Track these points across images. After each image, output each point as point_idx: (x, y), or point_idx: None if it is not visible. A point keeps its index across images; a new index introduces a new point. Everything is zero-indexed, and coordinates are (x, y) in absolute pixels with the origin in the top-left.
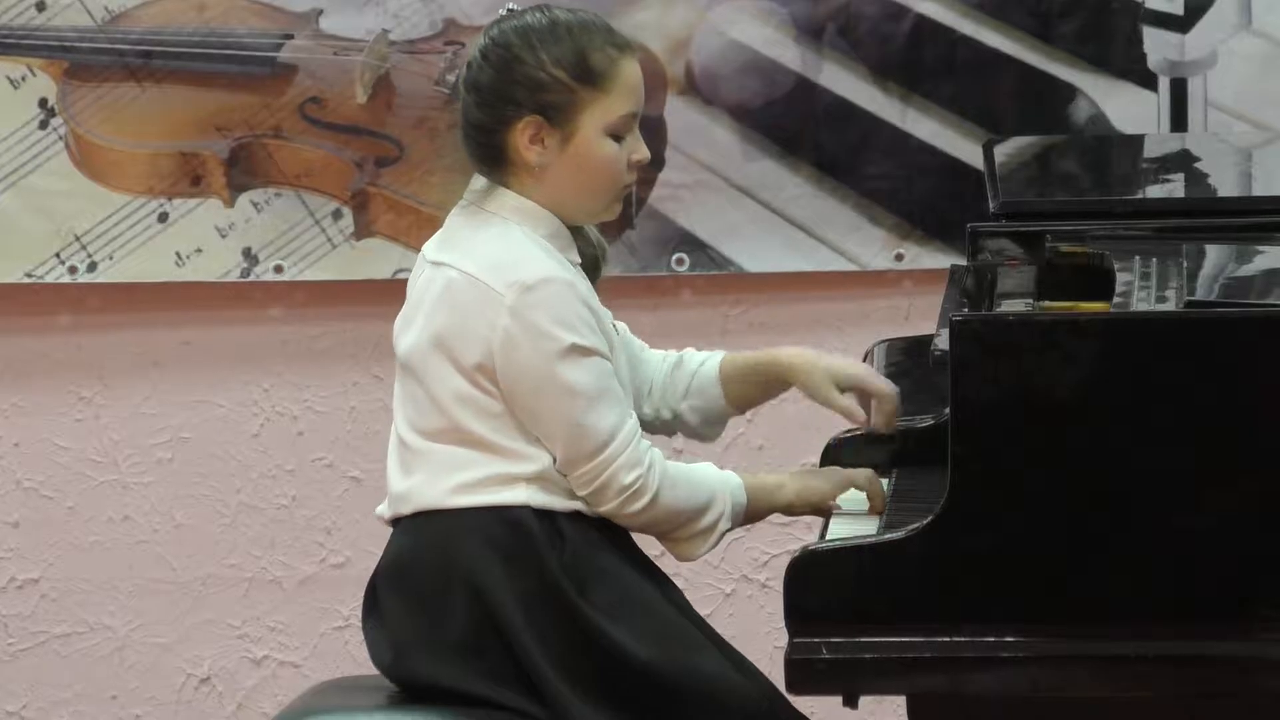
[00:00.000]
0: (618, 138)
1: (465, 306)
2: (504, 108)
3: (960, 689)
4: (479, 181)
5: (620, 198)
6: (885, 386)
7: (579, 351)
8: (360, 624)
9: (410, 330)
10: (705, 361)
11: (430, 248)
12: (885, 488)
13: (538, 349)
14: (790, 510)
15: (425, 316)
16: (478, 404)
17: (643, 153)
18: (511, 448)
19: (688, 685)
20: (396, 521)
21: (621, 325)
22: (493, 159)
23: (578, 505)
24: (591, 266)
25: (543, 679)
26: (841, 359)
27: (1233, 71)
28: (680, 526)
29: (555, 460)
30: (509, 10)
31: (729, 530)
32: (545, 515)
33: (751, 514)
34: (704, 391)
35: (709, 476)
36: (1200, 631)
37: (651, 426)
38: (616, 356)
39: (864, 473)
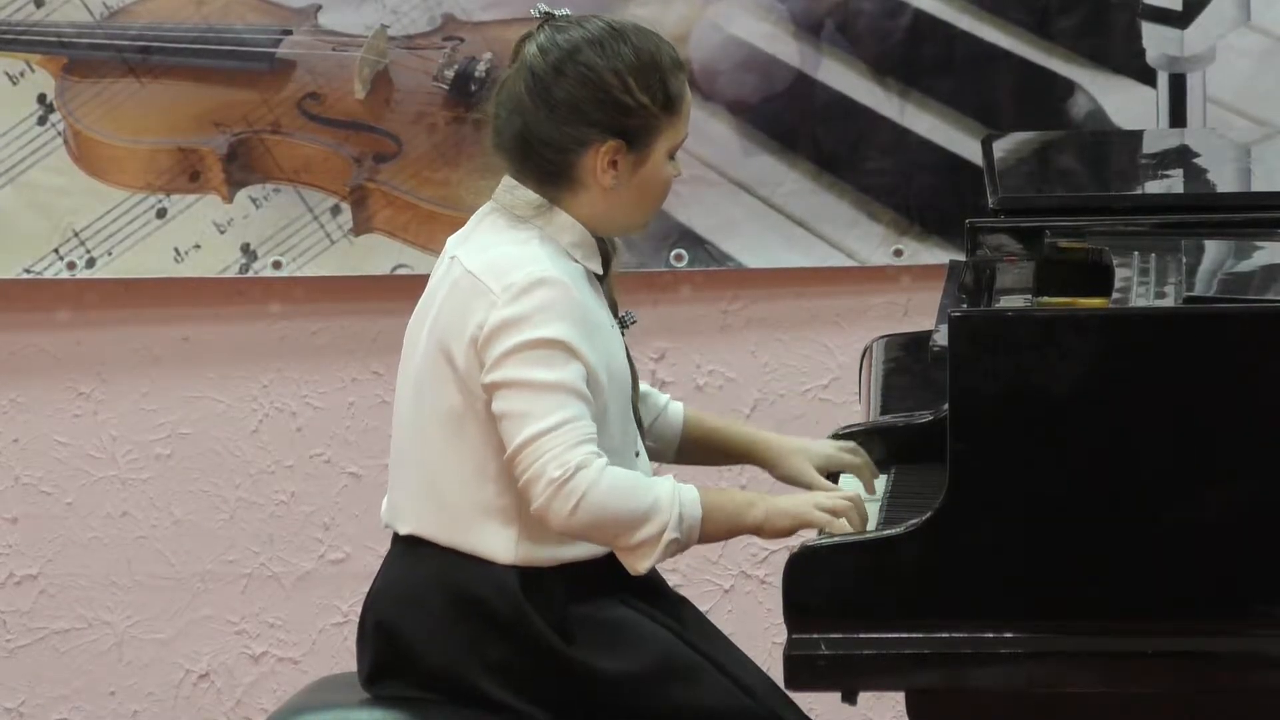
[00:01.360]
0: (671, 158)
1: (460, 303)
2: (585, 129)
3: (959, 685)
4: (521, 190)
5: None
6: (856, 460)
7: (547, 345)
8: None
9: (423, 328)
10: (666, 407)
11: (453, 240)
12: (885, 484)
13: (509, 339)
14: (760, 533)
15: (433, 316)
16: (473, 416)
17: (679, 170)
18: (503, 476)
19: (687, 716)
20: (394, 531)
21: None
22: (554, 175)
23: (566, 557)
24: (604, 263)
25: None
26: (812, 442)
27: (1231, 67)
28: (617, 536)
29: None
30: (544, 11)
31: (678, 542)
32: (532, 575)
33: (713, 531)
34: (661, 438)
35: (656, 489)
36: (1199, 628)
37: None
38: (616, 364)
39: (848, 498)
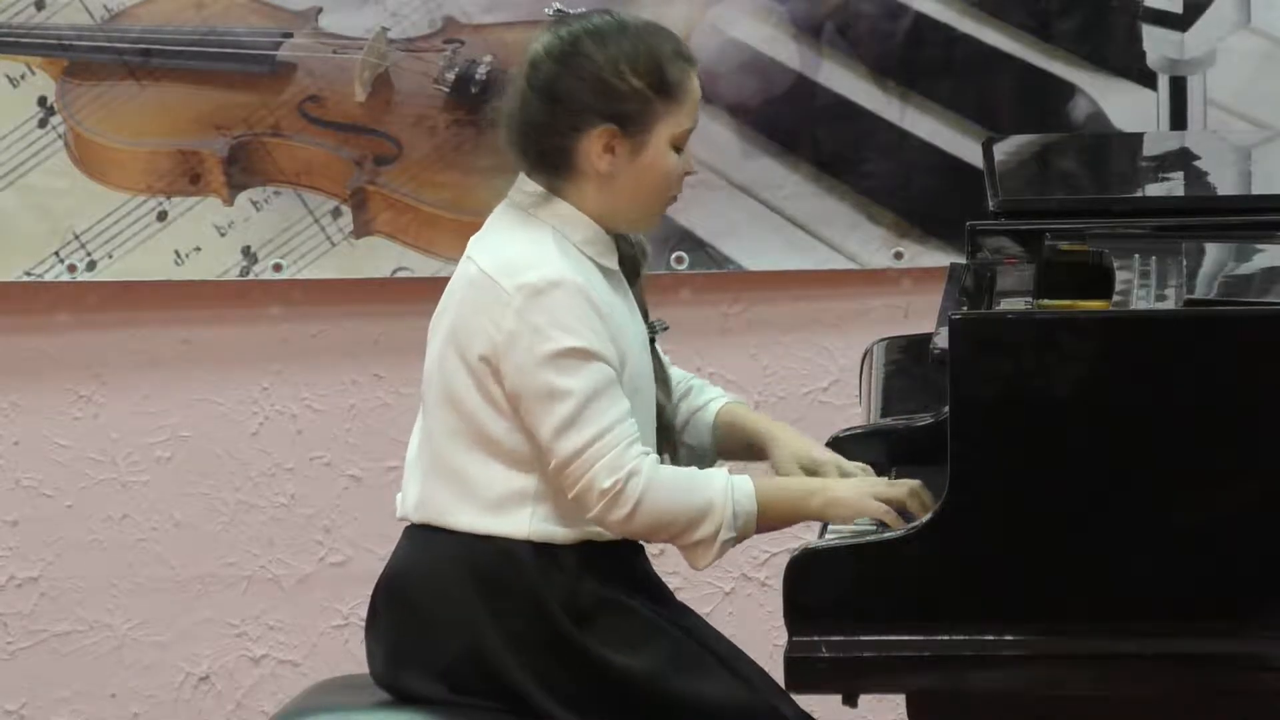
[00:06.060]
0: (677, 150)
1: (474, 301)
2: (578, 115)
3: (959, 687)
4: (528, 184)
5: (664, 210)
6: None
7: (574, 355)
8: (363, 626)
9: (439, 325)
10: (709, 404)
11: (472, 241)
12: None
13: (533, 350)
14: (822, 518)
15: (447, 313)
16: (486, 400)
17: (691, 165)
18: (521, 452)
19: (691, 709)
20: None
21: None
22: (554, 164)
23: (580, 534)
24: (631, 269)
25: (538, 707)
26: (814, 445)
27: (1232, 69)
28: (674, 537)
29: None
30: (557, 10)
31: (735, 539)
32: (545, 549)
33: (772, 521)
34: (697, 433)
35: (711, 486)
36: (1199, 630)
37: None
38: (635, 364)
39: (907, 486)
